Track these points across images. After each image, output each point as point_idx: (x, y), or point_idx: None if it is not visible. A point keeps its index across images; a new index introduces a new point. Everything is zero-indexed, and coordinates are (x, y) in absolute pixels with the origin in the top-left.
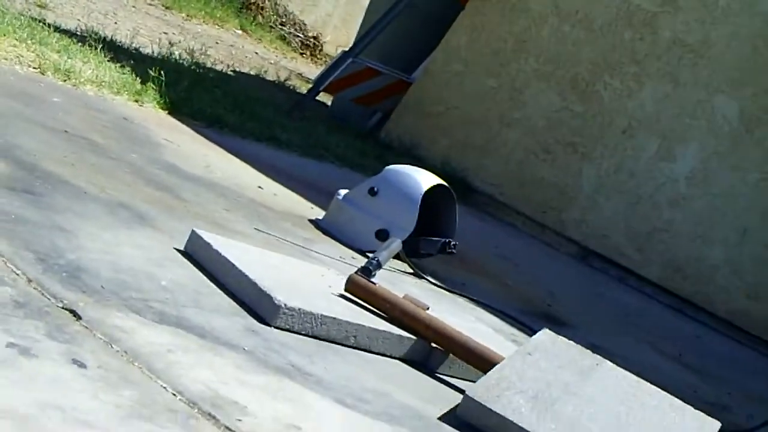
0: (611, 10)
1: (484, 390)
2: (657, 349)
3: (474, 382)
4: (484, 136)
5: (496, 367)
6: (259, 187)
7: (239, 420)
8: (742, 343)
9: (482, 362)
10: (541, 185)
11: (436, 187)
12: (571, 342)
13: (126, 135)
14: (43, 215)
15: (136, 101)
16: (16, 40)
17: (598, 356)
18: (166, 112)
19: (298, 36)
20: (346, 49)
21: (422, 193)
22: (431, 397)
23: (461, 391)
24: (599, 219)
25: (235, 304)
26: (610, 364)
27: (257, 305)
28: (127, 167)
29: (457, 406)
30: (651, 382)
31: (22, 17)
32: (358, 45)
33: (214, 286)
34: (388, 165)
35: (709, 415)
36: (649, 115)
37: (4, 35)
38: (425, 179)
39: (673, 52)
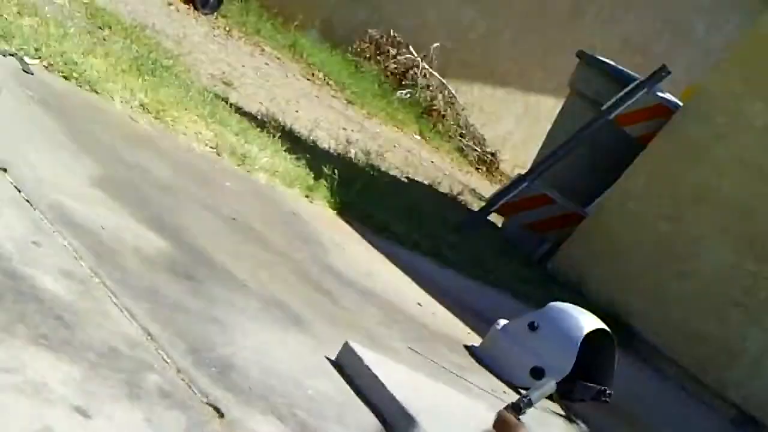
0: None
1: None
2: None
3: None
4: (652, 282)
5: None
6: (419, 303)
7: None
8: None
9: None
10: (705, 341)
11: (597, 330)
12: None
13: (293, 230)
14: (200, 304)
15: (307, 196)
16: (197, 116)
17: None
18: (336, 211)
19: (476, 150)
20: (523, 171)
21: (583, 336)
22: None
23: None
24: (762, 384)
25: (378, 422)
26: None
27: (399, 429)
28: (290, 264)
29: None
30: None
31: (206, 93)
32: (536, 169)
33: (360, 402)
34: (551, 298)
35: None
36: None
37: (186, 109)
38: (588, 322)
39: None
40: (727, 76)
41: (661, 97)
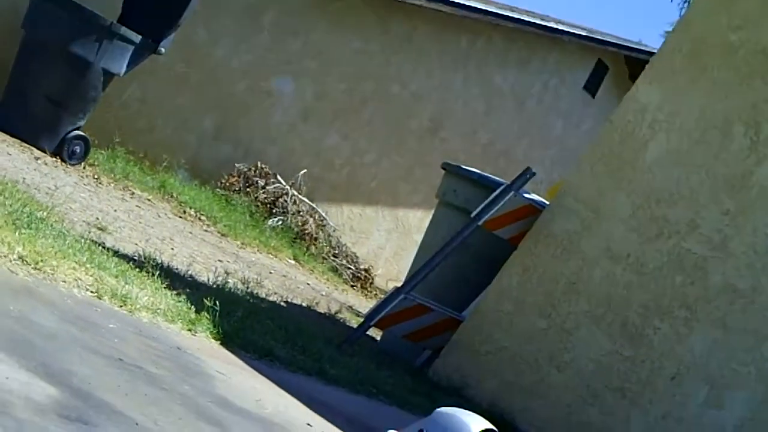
0: (663, 254)
1: None
2: None
3: None
4: (532, 377)
5: None
6: (308, 424)
7: None
8: None
9: None
10: (587, 431)
11: (485, 431)
12: None
13: (179, 365)
14: None
15: (190, 330)
16: (76, 263)
17: None
18: (219, 342)
19: (350, 268)
20: (398, 283)
21: None
22: None
23: None
24: None
25: None
26: None
27: None
28: (179, 399)
29: None
30: None
31: (82, 240)
32: (410, 281)
33: None
34: (436, 404)
35: None
36: (698, 361)
37: (65, 258)
38: (475, 423)
39: (724, 297)
40: (590, 171)
41: (528, 198)
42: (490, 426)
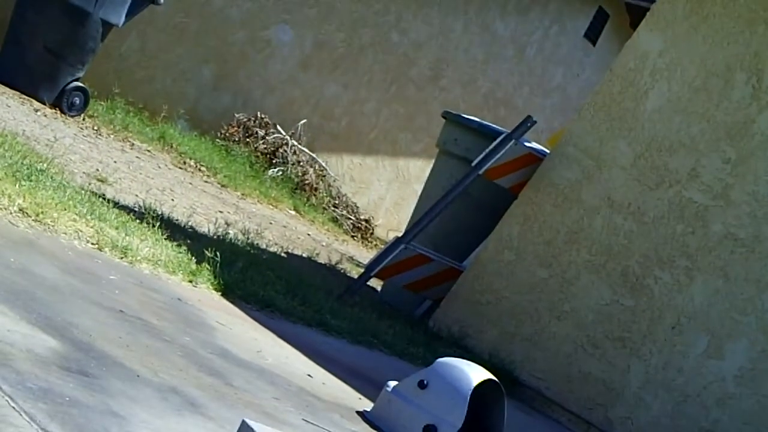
0: (664, 203)
1: None
2: None
3: None
4: (533, 328)
5: None
6: (309, 375)
7: None
8: None
9: None
10: (587, 381)
11: (485, 381)
12: None
13: (180, 316)
14: (96, 398)
15: (191, 281)
16: (76, 215)
17: None
18: (220, 293)
19: (350, 218)
20: (398, 233)
21: (472, 389)
22: None
23: None
24: (645, 418)
25: None
26: None
27: None
28: (180, 350)
29: None
30: None
31: (82, 191)
32: (411, 231)
33: None
34: (436, 354)
35: None
36: (699, 311)
37: (65, 209)
38: (475, 374)
39: (725, 246)
40: (591, 119)
41: (529, 147)
42: (490, 376)
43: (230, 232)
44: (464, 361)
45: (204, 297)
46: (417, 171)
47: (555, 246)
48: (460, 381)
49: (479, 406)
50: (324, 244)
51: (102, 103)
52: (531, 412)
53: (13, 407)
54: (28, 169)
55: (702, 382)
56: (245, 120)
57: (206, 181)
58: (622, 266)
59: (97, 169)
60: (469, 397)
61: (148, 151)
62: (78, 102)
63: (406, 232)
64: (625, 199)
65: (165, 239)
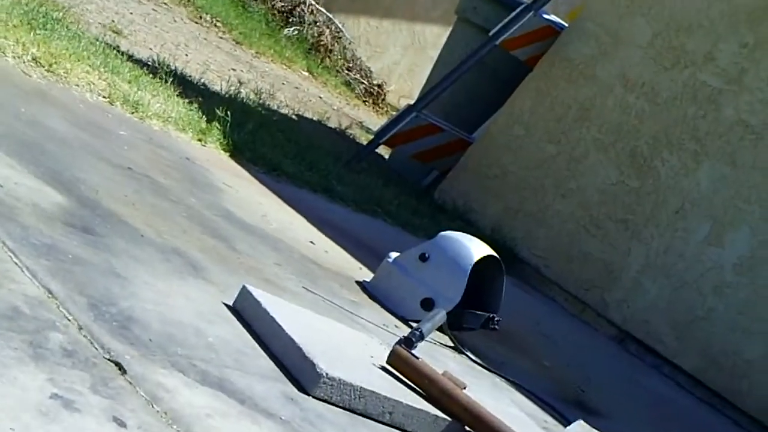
0: (677, 84)
1: None
2: None
3: None
4: (537, 204)
5: None
6: (311, 242)
7: None
8: None
9: None
10: (587, 261)
11: (485, 257)
12: None
13: (187, 176)
14: (99, 257)
15: (200, 140)
16: (90, 66)
17: None
18: (228, 154)
19: (363, 83)
20: (410, 100)
21: (472, 265)
22: None
23: None
24: (642, 302)
25: (276, 368)
26: None
27: (298, 371)
28: (186, 211)
29: None
30: None
31: (97, 42)
32: (423, 100)
33: (259, 347)
34: (440, 226)
35: None
36: (703, 197)
37: (78, 61)
38: (477, 249)
39: (735, 132)
40: None
41: (548, 20)
42: (491, 252)
43: (242, 91)
44: (466, 235)
45: (212, 157)
46: (433, 37)
47: (565, 122)
48: (461, 256)
49: (478, 282)
50: (335, 107)
51: None
52: (529, 290)
53: (16, 263)
54: (43, 17)
55: (700, 269)
56: None
57: (221, 37)
58: (630, 146)
59: (113, 21)
60: (468, 273)
61: (165, 3)
62: None
63: (418, 100)
64: (640, 78)
65: (177, 96)
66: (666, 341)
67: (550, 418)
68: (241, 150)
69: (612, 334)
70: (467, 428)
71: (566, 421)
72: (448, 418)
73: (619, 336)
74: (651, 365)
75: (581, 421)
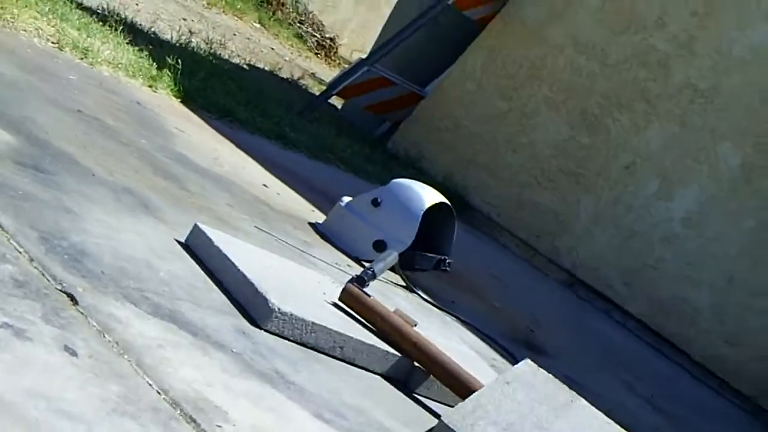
0: (628, 48)
1: (460, 417)
2: (631, 388)
3: (450, 406)
4: (489, 156)
5: (474, 394)
6: (264, 185)
7: (219, 426)
8: (716, 390)
9: (462, 387)
10: (538, 210)
11: (437, 204)
12: (551, 375)
13: (138, 120)
14: (50, 194)
15: (150, 86)
16: (38, 12)
17: (574, 393)
18: (179, 100)
19: (315, 36)
20: (362, 54)
21: (424, 210)
22: (407, 419)
23: (437, 416)
24: (591, 249)
25: (229, 302)
26: (584, 402)
27: (251, 306)
28: (137, 153)
29: (431, 430)
30: (620, 423)
31: None
32: (376, 54)
33: (211, 282)
34: (392, 174)
35: None
36: (654, 154)
37: (26, 6)
38: (429, 196)
39: (684, 95)
40: None
41: None
42: (443, 199)
43: (193, 40)
44: (418, 183)
45: (163, 103)
46: None
47: (517, 80)
48: (413, 201)
49: (430, 228)
50: (287, 59)
51: None
52: (480, 235)
53: None
54: None
55: (650, 221)
56: None
57: None
58: (581, 105)
59: None
60: (420, 218)
61: None
62: None
63: (371, 54)
64: (590, 41)
65: (127, 43)
66: (615, 287)
67: (498, 357)
68: (193, 97)
69: (562, 279)
70: (416, 364)
71: (514, 360)
72: (398, 354)
73: (569, 281)
74: (600, 310)
75: (528, 360)
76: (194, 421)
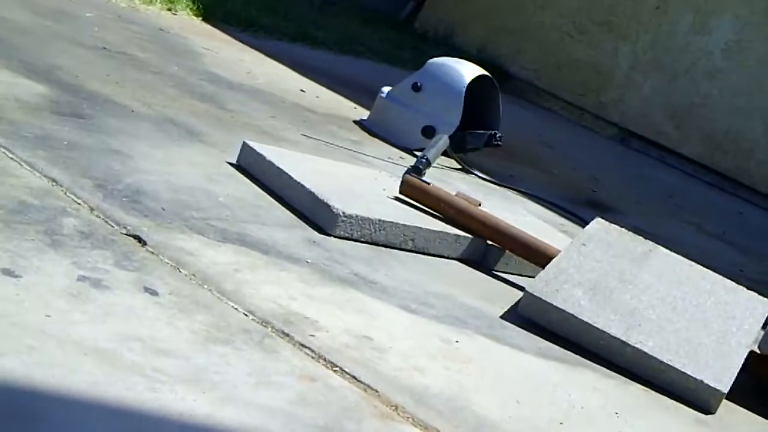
0: None
1: (544, 285)
2: (701, 229)
3: (531, 277)
4: (518, 20)
5: (554, 260)
6: (302, 90)
7: (312, 335)
8: None
9: (539, 257)
10: (577, 67)
11: (478, 78)
12: (623, 229)
13: (164, 46)
14: (95, 139)
15: (169, 9)
16: None
17: (651, 242)
18: (200, 18)
19: None
20: None
21: (466, 86)
22: (492, 296)
23: (521, 288)
24: (637, 97)
25: (292, 215)
26: (663, 249)
27: (315, 215)
28: (170, 80)
29: (517, 303)
30: (699, 264)
31: None
32: None
33: (271, 199)
34: (425, 56)
35: (758, 293)
36: None
37: None
38: (468, 71)
39: None
40: None
41: None
42: (483, 72)
43: None
44: (455, 59)
45: (185, 24)
46: None
47: None
48: (454, 79)
49: (475, 103)
50: None
51: None
52: (525, 105)
53: (12, 158)
54: None
55: (690, 57)
56: None
57: None
58: None
59: None
60: (463, 95)
61: None
62: None
63: None
64: None
65: None
66: (667, 132)
67: (566, 221)
68: (213, 12)
69: (613, 134)
70: (489, 242)
71: (583, 222)
72: (470, 236)
73: (620, 135)
74: (655, 158)
75: (599, 218)
76: (287, 335)
